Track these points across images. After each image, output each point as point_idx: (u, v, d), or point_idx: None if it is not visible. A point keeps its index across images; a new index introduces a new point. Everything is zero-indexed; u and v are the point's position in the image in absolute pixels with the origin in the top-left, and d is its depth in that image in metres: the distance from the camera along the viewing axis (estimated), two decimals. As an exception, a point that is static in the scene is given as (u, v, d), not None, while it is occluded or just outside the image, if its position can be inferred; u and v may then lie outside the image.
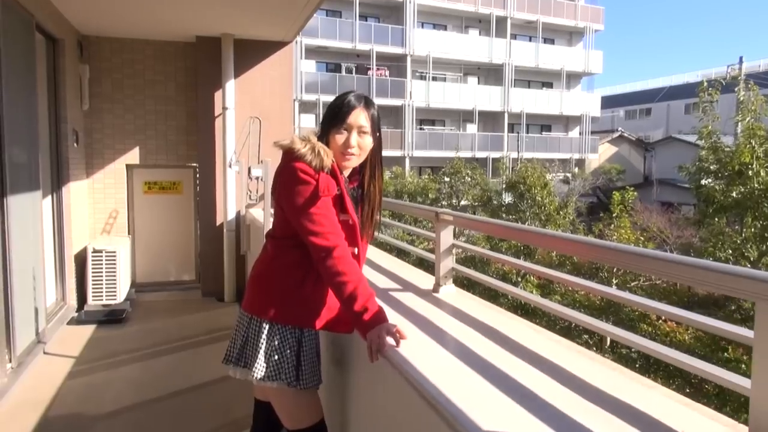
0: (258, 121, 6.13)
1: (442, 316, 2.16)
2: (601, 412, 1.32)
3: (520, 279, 11.51)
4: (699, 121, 10.06)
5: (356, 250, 1.96)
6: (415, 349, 1.75)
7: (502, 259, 2.51)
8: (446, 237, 2.45)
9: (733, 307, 12.52)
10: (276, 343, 1.91)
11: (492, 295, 9.29)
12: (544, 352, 1.74)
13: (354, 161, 1.95)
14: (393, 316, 2.04)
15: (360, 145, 1.93)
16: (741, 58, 24.21)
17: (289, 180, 1.87)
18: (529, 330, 2.00)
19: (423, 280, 2.71)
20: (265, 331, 1.91)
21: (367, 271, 2.80)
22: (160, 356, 4.76)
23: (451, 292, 2.46)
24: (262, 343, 1.90)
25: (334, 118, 1.94)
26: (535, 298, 2.23)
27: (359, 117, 1.92)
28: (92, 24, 5.91)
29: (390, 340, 1.76)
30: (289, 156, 1.88)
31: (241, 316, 2.02)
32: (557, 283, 11.20)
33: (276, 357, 1.90)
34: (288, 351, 1.91)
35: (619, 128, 37.15)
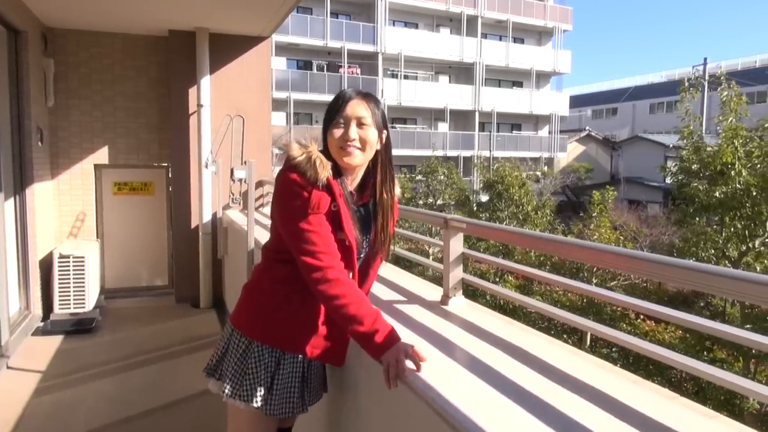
0: (241, 119, 5.87)
1: (456, 332, 2.00)
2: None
3: (498, 279, 11.48)
4: (681, 121, 10.16)
5: (351, 274, 1.78)
6: (437, 372, 1.59)
7: (515, 268, 2.37)
8: (456, 245, 2.29)
9: (702, 304, 12.79)
10: (252, 362, 1.76)
11: (471, 294, 9.21)
12: (576, 372, 1.59)
13: (357, 157, 1.72)
14: (401, 333, 1.87)
15: (362, 138, 1.71)
16: (705, 60, 24.82)
17: (280, 191, 1.70)
18: (551, 345, 1.85)
19: (429, 291, 2.54)
20: (243, 348, 1.78)
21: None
22: (134, 369, 4.48)
23: (461, 305, 2.30)
24: (239, 360, 1.78)
25: (330, 113, 1.74)
26: (541, 304, 2.10)
27: (356, 108, 1.72)
28: (57, 15, 5.57)
29: (409, 363, 1.60)
30: (286, 164, 1.70)
31: (227, 326, 1.88)
32: (536, 283, 11.22)
33: (250, 377, 1.76)
34: (263, 373, 1.76)
35: (587, 127, 37.77)
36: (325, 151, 1.75)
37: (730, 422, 1.26)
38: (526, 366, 1.66)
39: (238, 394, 1.76)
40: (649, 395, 1.43)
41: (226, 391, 1.77)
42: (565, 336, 9.48)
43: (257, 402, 1.76)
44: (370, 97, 1.78)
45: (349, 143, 1.70)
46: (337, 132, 1.72)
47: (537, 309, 2.11)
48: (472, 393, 1.48)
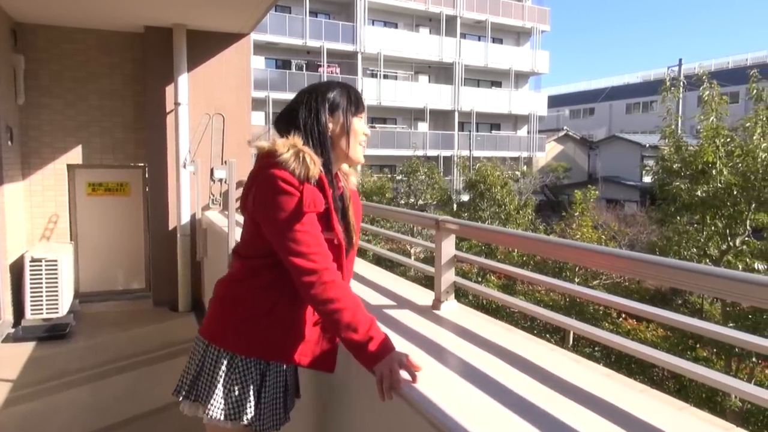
0: (221, 117, 5.74)
1: (450, 338, 1.92)
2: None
3: (480, 279, 11.48)
4: (662, 120, 10.29)
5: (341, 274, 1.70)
6: (432, 382, 1.51)
7: (504, 269, 2.30)
8: (448, 247, 2.21)
9: (680, 301, 12.95)
10: (237, 377, 1.65)
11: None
12: (577, 380, 1.52)
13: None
14: (392, 341, 1.79)
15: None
16: (680, 61, 25.14)
17: (268, 191, 1.57)
18: (551, 352, 1.79)
19: (419, 294, 2.46)
20: (224, 363, 1.65)
21: (353, 285, 2.53)
22: (110, 376, 4.33)
23: (453, 309, 2.23)
24: (220, 377, 1.65)
25: (358, 105, 1.74)
26: (527, 304, 2.04)
27: None
28: (28, 10, 5.38)
29: (404, 373, 1.52)
30: (268, 161, 1.58)
31: (198, 342, 1.74)
32: (519, 282, 11.24)
33: (236, 393, 1.64)
34: (250, 387, 1.65)
35: (565, 127, 38.15)
36: (319, 139, 1.66)
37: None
38: (525, 374, 1.59)
39: (227, 415, 1.65)
40: (656, 405, 1.37)
41: (210, 412, 1.64)
42: (547, 335, 9.50)
43: (247, 419, 1.66)
44: None
45: (365, 139, 1.76)
46: (361, 125, 1.74)
47: (522, 309, 2.06)
48: (470, 403, 1.41)
